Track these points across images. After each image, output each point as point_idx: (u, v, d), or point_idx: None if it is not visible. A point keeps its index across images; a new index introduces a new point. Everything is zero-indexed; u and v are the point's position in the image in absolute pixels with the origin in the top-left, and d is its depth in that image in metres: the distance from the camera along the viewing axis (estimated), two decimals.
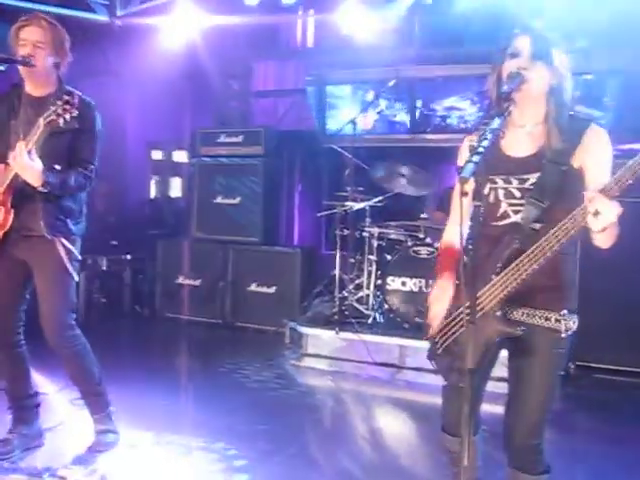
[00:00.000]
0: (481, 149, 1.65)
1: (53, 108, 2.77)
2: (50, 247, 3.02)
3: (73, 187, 3.03)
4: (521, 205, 1.98)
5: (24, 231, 3.01)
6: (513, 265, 1.91)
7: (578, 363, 4.83)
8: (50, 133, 2.83)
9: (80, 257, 3.16)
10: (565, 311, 1.98)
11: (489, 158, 1.93)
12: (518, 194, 1.99)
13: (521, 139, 2.03)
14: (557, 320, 1.97)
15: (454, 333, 2.08)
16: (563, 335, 1.98)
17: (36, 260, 3.06)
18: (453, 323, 2.09)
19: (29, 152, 2.81)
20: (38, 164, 2.84)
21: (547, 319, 1.98)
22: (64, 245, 3.04)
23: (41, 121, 2.78)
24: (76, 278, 3.13)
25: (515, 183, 2.00)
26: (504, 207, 2.02)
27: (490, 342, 1.93)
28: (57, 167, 2.97)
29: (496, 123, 1.79)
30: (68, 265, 3.05)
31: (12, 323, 3.14)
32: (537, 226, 1.92)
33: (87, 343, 3.17)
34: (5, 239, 3.01)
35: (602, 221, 1.69)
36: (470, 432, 1.67)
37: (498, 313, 1.95)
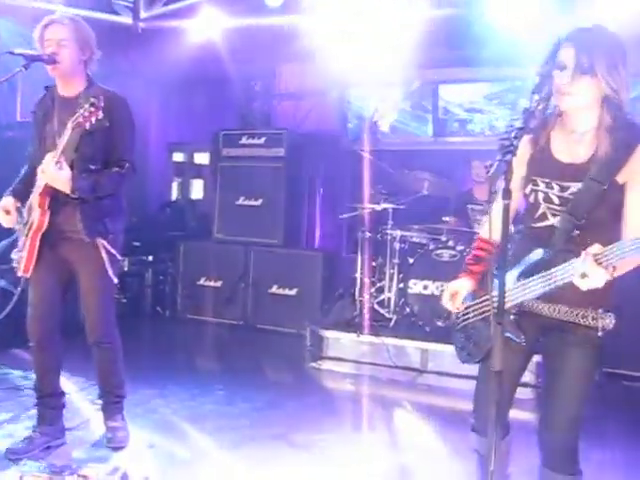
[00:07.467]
0: (512, 148, 1.63)
1: (81, 111, 2.78)
2: (91, 249, 3.07)
3: (107, 187, 3.05)
4: (559, 210, 1.96)
5: (64, 233, 3.06)
6: (534, 277, 1.94)
7: (606, 370, 4.74)
8: (82, 134, 2.85)
9: (120, 257, 3.20)
10: (602, 309, 1.96)
11: (537, 159, 1.95)
12: (557, 201, 1.97)
13: (571, 144, 1.99)
14: (594, 318, 1.95)
15: (473, 318, 2.12)
16: (599, 333, 1.96)
17: (78, 260, 3.12)
18: (476, 308, 2.11)
19: (57, 162, 2.84)
20: (66, 172, 2.87)
21: (584, 317, 1.96)
22: (105, 247, 3.08)
23: (69, 125, 2.81)
24: (115, 280, 3.16)
25: (556, 189, 1.97)
26: (542, 209, 2.01)
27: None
28: (92, 167, 3.00)
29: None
30: (109, 268, 3.10)
31: (52, 319, 3.17)
32: (574, 233, 1.93)
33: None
34: (46, 240, 3.04)
35: (587, 284, 1.73)
36: (498, 436, 1.64)
37: (512, 317, 1.98)
